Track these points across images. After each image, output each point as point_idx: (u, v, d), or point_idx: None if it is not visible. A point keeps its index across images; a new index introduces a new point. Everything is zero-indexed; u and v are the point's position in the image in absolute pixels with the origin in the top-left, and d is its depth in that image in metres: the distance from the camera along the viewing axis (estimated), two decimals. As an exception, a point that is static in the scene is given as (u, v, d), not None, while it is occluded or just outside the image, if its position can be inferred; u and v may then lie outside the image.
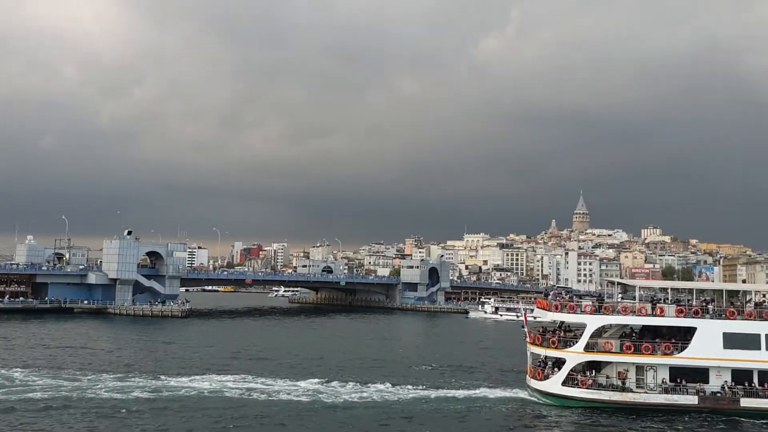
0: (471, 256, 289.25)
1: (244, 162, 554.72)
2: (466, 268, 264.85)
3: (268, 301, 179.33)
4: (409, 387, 41.28)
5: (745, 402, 34.62)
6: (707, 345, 35.61)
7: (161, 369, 46.82)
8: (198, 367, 48.00)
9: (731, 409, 34.54)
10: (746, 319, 36.48)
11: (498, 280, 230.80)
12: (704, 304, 38.81)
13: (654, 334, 38.38)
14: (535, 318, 47.07)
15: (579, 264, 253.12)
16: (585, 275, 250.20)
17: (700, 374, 35.88)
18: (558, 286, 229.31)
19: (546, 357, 39.16)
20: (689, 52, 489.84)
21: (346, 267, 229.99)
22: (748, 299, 42.50)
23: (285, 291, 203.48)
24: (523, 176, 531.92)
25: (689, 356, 35.81)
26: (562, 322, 41.00)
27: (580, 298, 43.50)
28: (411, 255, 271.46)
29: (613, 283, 46.86)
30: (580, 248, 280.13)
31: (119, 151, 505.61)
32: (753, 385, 35.18)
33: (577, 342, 37.45)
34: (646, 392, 35.76)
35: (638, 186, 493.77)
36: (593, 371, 37.20)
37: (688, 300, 41.21)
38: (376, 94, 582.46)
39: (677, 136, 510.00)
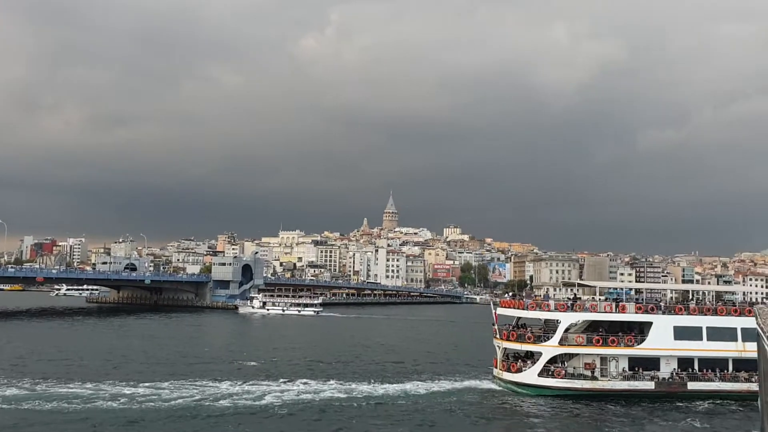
0: (286, 253, 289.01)
1: (38, 149, 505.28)
2: (281, 265, 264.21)
3: (63, 301, 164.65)
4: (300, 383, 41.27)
5: (691, 385, 39.41)
6: (661, 337, 40.32)
7: None
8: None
9: (681, 392, 39.18)
10: (691, 314, 41.51)
11: (312, 276, 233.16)
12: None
13: (614, 328, 41.90)
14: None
15: (388, 260, 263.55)
16: (393, 271, 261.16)
17: (653, 363, 40.40)
18: (368, 281, 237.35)
19: (506, 350, 42.23)
20: (489, 67, 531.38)
21: (152, 264, 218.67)
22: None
23: (68, 289, 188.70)
24: (338, 175, 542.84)
25: (646, 347, 40.21)
26: (519, 318, 44.25)
27: (549, 299, 47.25)
28: (224, 252, 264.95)
29: (573, 284, 50.42)
30: (389, 246, 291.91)
31: None
32: (695, 370, 40.13)
33: (552, 336, 40.51)
34: (611, 380, 39.66)
35: (443, 188, 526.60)
36: (562, 363, 40.26)
37: (616, 298, 46.14)
38: (190, 83, 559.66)
39: (476, 144, 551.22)
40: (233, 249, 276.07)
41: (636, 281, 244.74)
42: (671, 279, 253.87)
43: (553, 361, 40.30)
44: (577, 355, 40.63)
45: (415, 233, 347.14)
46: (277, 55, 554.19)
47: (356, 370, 48.40)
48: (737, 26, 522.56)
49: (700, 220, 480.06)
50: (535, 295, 49.70)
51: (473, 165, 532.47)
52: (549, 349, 40.26)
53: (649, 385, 39.52)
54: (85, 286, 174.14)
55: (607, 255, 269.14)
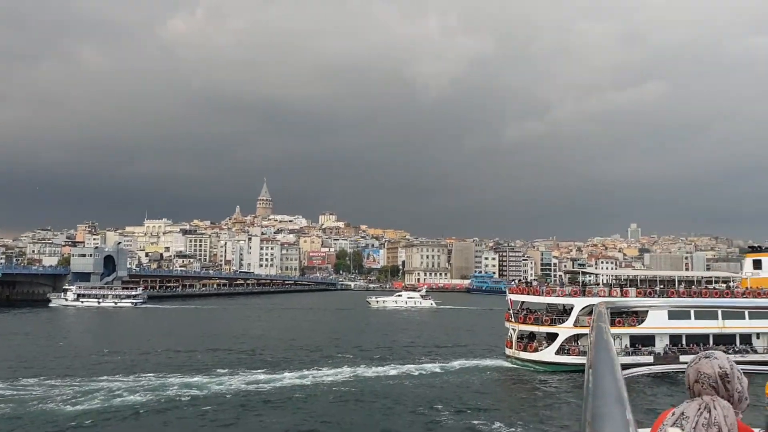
0: (152, 243, 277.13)
1: None
2: (147, 255, 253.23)
3: None
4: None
5: (683, 358, 43.79)
6: (658, 318, 45.41)
7: None
8: None
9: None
10: (681, 297, 46.54)
11: (181, 266, 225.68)
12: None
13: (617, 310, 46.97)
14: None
15: (262, 249, 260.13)
16: (267, 260, 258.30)
17: (650, 340, 45.99)
18: (241, 271, 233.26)
19: (518, 331, 47.12)
20: (364, 57, 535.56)
21: (4, 256, 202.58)
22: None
23: None
24: (209, 161, 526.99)
25: (646, 326, 45.38)
26: (523, 303, 49.40)
27: (563, 285, 53.26)
28: (84, 242, 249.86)
29: (578, 272, 55.70)
30: (263, 234, 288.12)
31: None
32: (683, 345, 45.84)
33: (566, 319, 45.40)
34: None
35: (318, 174, 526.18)
36: (575, 342, 45.19)
37: (621, 284, 52.02)
38: (49, 62, 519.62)
39: (352, 130, 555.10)
40: (94, 239, 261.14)
41: (499, 265, 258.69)
42: (531, 262, 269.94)
43: (567, 340, 45.14)
44: (586, 334, 44.70)
45: (290, 221, 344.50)
46: (143, 36, 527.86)
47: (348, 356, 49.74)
48: (594, 24, 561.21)
49: (559, 206, 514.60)
50: (547, 283, 56.69)
51: (349, 152, 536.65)
52: (565, 330, 45.24)
53: (648, 359, 44.44)
54: None
55: (473, 240, 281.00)
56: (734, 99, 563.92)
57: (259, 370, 41.94)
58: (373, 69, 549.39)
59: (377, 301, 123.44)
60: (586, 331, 45.27)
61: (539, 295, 48.95)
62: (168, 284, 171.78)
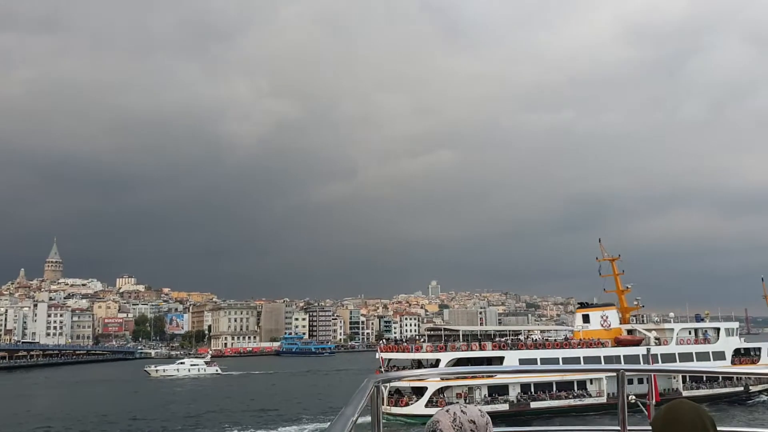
0: None
1: None
2: None
3: None
4: None
5: (533, 404, 49.58)
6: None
7: None
8: None
9: (527, 410, 48.71)
10: (529, 349, 52.60)
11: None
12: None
13: (478, 362, 50.35)
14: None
15: (49, 316, 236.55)
16: (56, 328, 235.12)
17: (504, 389, 50.05)
18: (23, 341, 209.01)
19: (388, 387, 46.51)
20: (165, 114, 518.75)
21: None
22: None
23: None
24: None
25: (500, 378, 47.93)
26: (390, 360, 53.13)
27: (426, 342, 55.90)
28: None
29: (440, 328, 61.04)
30: (51, 299, 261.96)
31: None
32: (532, 393, 50.46)
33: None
34: (477, 405, 44.86)
35: (116, 235, 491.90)
36: (442, 394, 47.95)
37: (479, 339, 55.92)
38: None
39: (154, 189, 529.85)
40: None
41: (309, 325, 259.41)
42: (341, 321, 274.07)
43: (435, 393, 47.90)
44: (450, 387, 48.95)
45: (84, 284, 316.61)
46: None
47: None
48: (388, 95, 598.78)
49: (365, 264, 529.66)
50: (406, 342, 59.71)
51: (149, 212, 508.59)
52: (433, 384, 47.81)
53: (504, 407, 48.95)
54: None
55: (284, 301, 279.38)
56: (505, 169, 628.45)
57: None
58: (175, 126, 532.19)
59: (157, 370, 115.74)
60: (452, 383, 49.69)
61: (408, 351, 52.97)
62: None
